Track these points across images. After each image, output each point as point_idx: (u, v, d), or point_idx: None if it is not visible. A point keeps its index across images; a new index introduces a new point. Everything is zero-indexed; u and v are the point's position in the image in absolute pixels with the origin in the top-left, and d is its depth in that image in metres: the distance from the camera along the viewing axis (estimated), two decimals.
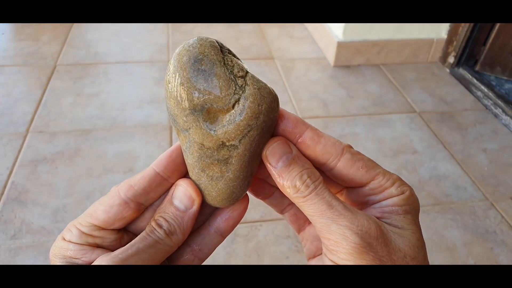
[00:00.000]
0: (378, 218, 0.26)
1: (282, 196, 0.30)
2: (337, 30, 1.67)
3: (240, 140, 0.25)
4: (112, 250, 0.27)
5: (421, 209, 1.10)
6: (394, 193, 0.26)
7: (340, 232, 0.24)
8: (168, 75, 0.25)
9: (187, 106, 0.24)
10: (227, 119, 0.24)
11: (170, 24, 1.94)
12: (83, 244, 0.27)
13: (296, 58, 1.74)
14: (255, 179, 0.30)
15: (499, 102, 1.48)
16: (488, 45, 1.62)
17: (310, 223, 0.31)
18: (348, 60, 1.70)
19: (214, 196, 0.27)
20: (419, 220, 0.27)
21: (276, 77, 1.60)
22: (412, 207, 0.26)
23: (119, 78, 1.56)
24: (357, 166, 0.26)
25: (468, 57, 1.67)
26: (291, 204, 0.30)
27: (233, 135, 0.24)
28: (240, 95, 0.24)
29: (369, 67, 1.71)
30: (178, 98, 0.24)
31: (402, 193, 0.26)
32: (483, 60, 1.64)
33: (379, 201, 0.27)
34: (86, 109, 1.39)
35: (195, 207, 0.27)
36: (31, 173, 1.13)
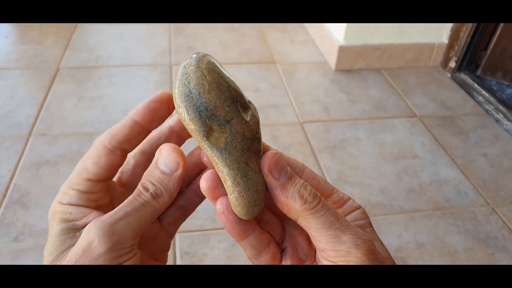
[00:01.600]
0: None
1: (262, 234, 0.28)
2: (338, 34, 1.68)
3: (260, 133, 0.27)
4: (108, 208, 0.28)
5: (422, 213, 1.10)
6: (354, 205, 0.29)
7: (352, 242, 0.24)
8: (203, 71, 0.25)
9: (228, 96, 0.26)
10: (250, 113, 0.27)
11: (172, 27, 1.95)
12: (82, 206, 0.27)
13: (298, 62, 1.75)
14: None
15: (500, 107, 1.48)
16: (489, 50, 1.62)
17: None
18: (350, 64, 1.70)
19: (259, 191, 0.26)
20: None
21: (277, 81, 1.61)
22: (369, 221, 0.29)
23: (121, 81, 1.56)
24: (318, 179, 0.29)
25: (469, 62, 1.67)
26: (270, 243, 0.28)
27: (257, 128, 0.27)
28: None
29: (371, 72, 1.71)
30: (222, 88, 0.25)
31: (360, 207, 0.29)
32: (485, 65, 1.65)
33: (344, 214, 0.28)
34: (89, 112, 1.40)
35: (180, 170, 0.27)
36: (33, 175, 1.14)
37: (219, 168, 0.26)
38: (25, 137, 1.27)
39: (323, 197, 0.27)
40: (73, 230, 0.27)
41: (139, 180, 0.30)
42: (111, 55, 1.71)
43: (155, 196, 0.27)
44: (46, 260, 0.25)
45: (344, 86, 1.61)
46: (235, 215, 0.26)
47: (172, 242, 0.99)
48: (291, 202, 0.25)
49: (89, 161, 0.28)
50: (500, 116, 1.47)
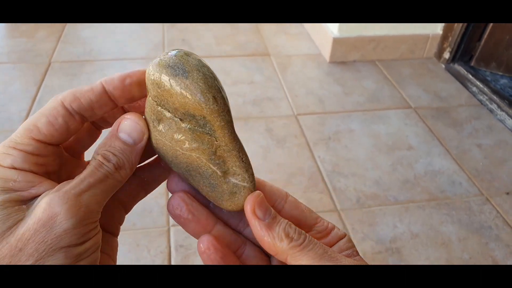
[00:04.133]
0: None
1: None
2: (332, 26, 1.67)
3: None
4: (54, 176, 0.25)
5: (416, 204, 1.11)
6: (340, 234, 0.28)
7: None
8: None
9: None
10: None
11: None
12: (29, 171, 0.23)
13: (292, 54, 1.74)
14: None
15: (494, 97, 1.48)
16: (483, 40, 1.62)
17: None
18: (344, 56, 1.70)
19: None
20: None
21: (272, 73, 1.60)
22: (355, 248, 0.28)
23: None
24: (302, 207, 0.28)
25: (463, 52, 1.67)
26: None
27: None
28: None
29: (365, 63, 1.71)
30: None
31: (345, 235, 0.28)
32: (478, 56, 1.65)
33: (330, 244, 0.27)
34: None
35: (144, 141, 0.26)
36: None
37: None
38: None
39: (308, 227, 0.27)
40: (18, 202, 0.23)
41: (84, 147, 0.28)
42: (104, 49, 1.70)
43: (117, 167, 0.24)
44: None
45: (338, 78, 1.61)
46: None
47: (166, 235, 0.99)
48: (278, 242, 0.24)
49: (43, 119, 0.24)
50: (494, 107, 1.47)
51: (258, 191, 0.26)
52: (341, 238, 0.27)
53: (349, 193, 1.13)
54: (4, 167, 0.23)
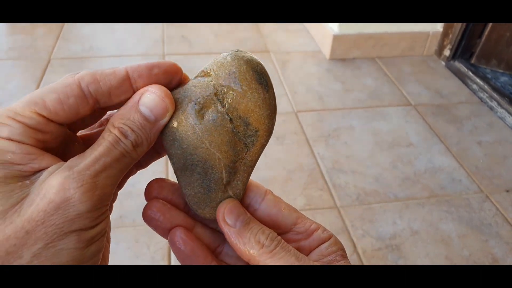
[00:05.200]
0: None
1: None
2: (332, 24, 1.67)
3: None
4: (56, 153, 0.23)
5: (416, 201, 1.11)
6: (322, 236, 0.26)
7: None
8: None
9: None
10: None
11: None
12: (28, 144, 0.21)
13: (292, 51, 1.74)
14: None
15: (495, 95, 1.48)
16: (483, 38, 1.62)
17: None
18: (344, 53, 1.69)
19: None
20: None
21: (271, 70, 1.60)
22: (343, 251, 0.26)
23: None
24: (280, 207, 0.26)
25: (463, 50, 1.67)
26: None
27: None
28: None
29: (365, 60, 1.71)
30: None
31: (329, 237, 0.26)
32: (479, 53, 1.64)
33: (311, 248, 0.26)
34: None
35: (166, 119, 0.24)
36: None
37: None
38: None
39: (286, 228, 0.26)
40: (20, 178, 0.21)
41: (85, 124, 0.26)
42: (104, 46, 1.70)
43: (135, 145, 0.22)
44: None
45: (338, 75, 1.61)
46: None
47: None
48: (249, 249, 0.24)
49: (52, 95, 0.21)
50: (494, 104, 1.47)
51: (231, 199, 0.26)
52: (324, 241, 0.26)
53: (349, 190, 1.13)
54: (0, 137, 0.21)
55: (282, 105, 1.43)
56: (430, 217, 1.07)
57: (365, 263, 0.96)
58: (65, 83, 0.22)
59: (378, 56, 1.73)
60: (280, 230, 0.26)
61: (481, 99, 1.52)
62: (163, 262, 0.92)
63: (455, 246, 1.01)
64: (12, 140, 0.21)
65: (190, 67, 1.59)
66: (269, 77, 0.25)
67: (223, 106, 0.24)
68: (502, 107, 1.44)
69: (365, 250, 0.98)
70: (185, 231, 0.26)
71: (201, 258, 0.26)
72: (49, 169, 0.21)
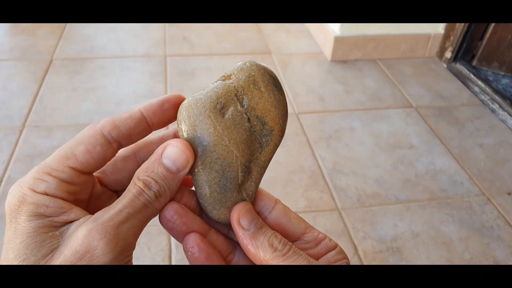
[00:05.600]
0: None
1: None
2: (334, 25, 1.67)
3: None
4: (83, 204, 0.25)
5: (417, 203, 1.10)
6: (329, 245, 0.27)
7: None
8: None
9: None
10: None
11: None
12: (60, 198, 0.23)
13: (293, 52, 1.74)
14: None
15: (496, 97, 1.48)
16: (485, 40, 1.62)
17: None
18: (345, 55, 1.69)
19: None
20: None
21: (272, 71, 1.60)
22: (347, 260, 0.27)
23: (115, 72, 1.55)
24: (290, 216, 0.27)
25: (465, 52, 1.67)
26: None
27: None
28: None
29: (366, 62, 1.71)
30: None
31: (335, 246, 0.27)
32: (480, 55, 1.64)
33: (318, 256, 0.26)
34: (83, 103, 1.38)
35: (187, 169, 0.25)
36: (27, 167, 1.13)
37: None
38: (19, 128, 1.25)
39: (295, 236, 0.27)
40: (50, 228, 0.22)
41: (123, 184, 0.27)
42: (105, 46, 1.70)
43: (158, 196, 0.24)
44: None
45: (339, 76, 1.61)
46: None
47: (166, 233, 0.98)
48: (262, 252, 0.24)
49: (81, 147, 0.23)
50: (495, 106, 1.47)
51: (245, 201, 0.26)
52: (330, 250, 0.27)
53: (350, 192, 1.13)
54: (37, 192, 0.22)
55: None
56: (431, 219, 1.07)
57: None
58: (90, 134, 0.24)
59: (379, 58, 1.73)
60: (289, 239, 0.27)
61: (482, 101, 1.52)
62: (164, 263, 0.92)
63: (456, 249, 1.01)
64: (47, 194, 0.22)
65: (192, 68, 1.59)
66: (280, 83, 0.28)
67: (242, 106, 0.26)
68: (503, 109, 1.44)
69: (366, 253, 0.98)
70: (201, 237, 0.26)
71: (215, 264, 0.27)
72: (77, 222, 0.22)
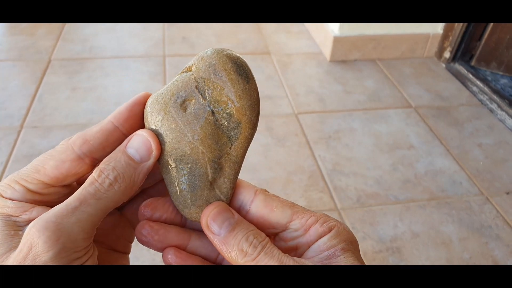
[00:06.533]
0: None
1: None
2: (333, 25, 1.67)
3: None
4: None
5: (417, 204, 1.10)
6: (321, 230, 0.25)
7: None
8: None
9: None
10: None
11: None
12: (23, 201, 0.23)
13: (293, 53, 1.74)
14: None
15: (495, 97, 1.48)
16: (483, 40, 1.62)
17: None
18: (345, 55, 1.69)
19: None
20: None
21: (272, 72, 1.60)
22: (348, 243, 0.24)
23: (115, 72, 1.55)
24: (271, 206, 0.25)
25: (464, 52, 1.67)
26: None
27: None
28: None
29: (365, 62, 1.71)
30: None
31: (330, 229, 0.25)
32: (479, 55, 1.65)
33: (309, 244, 0.25)
34: (82, 103, 1.38)
35: (152, 160, 0.24)
36: None
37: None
38: (17, 129, 1.25)
39: (280, 227, 0.25)
40: (14, 227, 0.22)
41: None
42: (104, 47, 1.69)
43: (112, 184, 0.23)
44: None
45: (339, 77, 1.61)
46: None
47: None
48: (233, 257, 0.24)
49: (51, 162, 0.24)
50: (494, 106, 1.47)
51: (218, 202, 0.25)
52: (322, 236, 0.24)
53: (349, 192, 1.13)
54: (3, 197, 0.23)
55: (282, 107, 1.43)
56: (431, 219, 1.07)
57: None
58: (60, 150, 0.24)
59: (378, 58, 1.73)
60: (276, 229, 0.26)
61: (481, 101, 1.53)
62: (163, 262, 0.92)
63: (455, 249, 1.01)
64: (12, 199, 0.23)
65: None
66: (250, 70, 0.25)
67: (204, 99, 0.24)
68: (502, 109, 1.44)
69: (366, 253, 0.98)
70: (176, 252, 0.26)
71: None
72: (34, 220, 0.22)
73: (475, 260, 0.98)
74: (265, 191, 0.26)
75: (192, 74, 0.25)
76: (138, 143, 0.24)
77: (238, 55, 0.25)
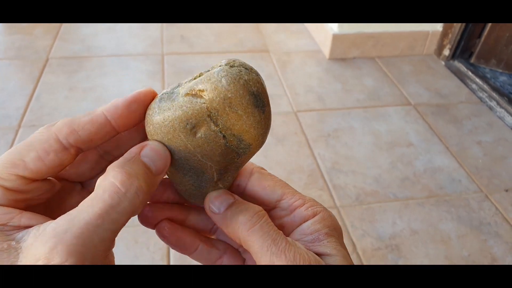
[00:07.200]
0: (306, 249, 0.23)
1: (209, 248, 0.27)
2: (332, 23, 1.66)
3: None
4: (39, 208, 0.22)
5: (416, 201, 1.10)
6: (305, 214, 0.25)
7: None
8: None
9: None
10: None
11: None
12: (4, 206, 0.20)
13: (292, 51, 1.74)
14: (175, 234, 0.28)
15: (494, 94, 1.48)
16: (483, 37, 1.62)
17: None
18: (344, 53, 1.69)
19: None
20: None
21: (271, 70, 1.60)
22: (332, 229, 0.25)
23: (114, 71, 1.54)
24: (264, 185, 0.26)
25: (463, 49, 1.67)
26: (221, 258, 0.28)
27: None
28: None
29: (365, 60, 1.71)
30: None
31: (315, 214, 0.25)
32: (478, 53, 1.64)
33: (293, 226, 0.25)
34: (81, 103, 1.38)
35: (164, 173, 0.23)
36: None
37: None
38: (15, 128, 1.25)
39: (271, 205, 0.26)
40: (5, 239, 0.19)
41: (85, 176, 0.25)
42: (103, 46, 1.69)
43: (138, 194, 0.21)
44: None
45: (338, 75, 1.60)
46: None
47: None
48: (231, 232, 0.24)
49: (31, 154, 0.21)
50: (493, 104, 1.47)
51: (218, 189, 0.26)
52: (305, 220, 0.25)
53: (348, 190, 1.13)
54: None
55: (282, 105, 1.43)
56: (430, 217, 1.07)
57: (365, 263, 0.96)
58: (43, 139, 0.21)
59: (378, 56, 1.73)
60: (267, 206, 0.26)
61: (480, 98, 1.52)
62: (163, 262, 0.92)
63: (454, 246, 1.01)
64: None
65: (190, 67, 1.59)
66: (266, 95, 0.24)
67: (217, 126, 0.23)
68: (501, 106, 1.44)
69: (365, 250, 0.98)
70: (169, 223, 0.27)
71: (188, 244, 0.27)
72: (34, 230, 0.19)
73: (474, 258, 0.98)
74: (261, 169, 0.27)
75: (205, 103, 0.23)
76: (154, 155, 0.22)
77: (255, 78, 0.23)
